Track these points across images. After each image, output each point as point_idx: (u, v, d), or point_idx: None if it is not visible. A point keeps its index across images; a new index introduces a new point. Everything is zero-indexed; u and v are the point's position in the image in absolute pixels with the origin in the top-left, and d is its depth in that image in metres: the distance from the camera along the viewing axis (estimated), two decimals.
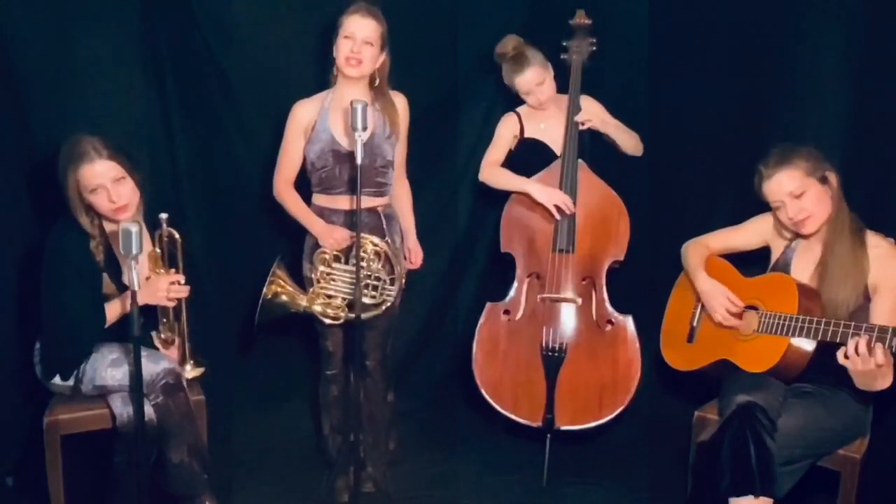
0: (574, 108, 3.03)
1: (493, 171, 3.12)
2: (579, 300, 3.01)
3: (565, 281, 3.01)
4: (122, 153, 2.52)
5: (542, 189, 2.99)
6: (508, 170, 3.13)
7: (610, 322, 3.01)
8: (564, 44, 3.08)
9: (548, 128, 3.11)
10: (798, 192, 2.41)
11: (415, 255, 3.03)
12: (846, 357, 2.19)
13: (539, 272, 3.06)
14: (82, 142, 2.48)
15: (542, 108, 3.09)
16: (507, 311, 3.09)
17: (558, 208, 2.97)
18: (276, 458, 3.20)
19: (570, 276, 3.01)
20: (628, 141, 3.08)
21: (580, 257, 3.01)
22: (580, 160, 3.02)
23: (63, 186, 2.49)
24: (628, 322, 2.99)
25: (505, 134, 3.15)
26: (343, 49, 2.68)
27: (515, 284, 3.09)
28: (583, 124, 3.00)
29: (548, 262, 3.03)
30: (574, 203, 2.98)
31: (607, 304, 3.01)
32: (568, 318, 3.02)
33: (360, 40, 2.66)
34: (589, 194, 3.02)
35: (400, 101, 2.85)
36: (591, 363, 2.99)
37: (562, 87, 3.10)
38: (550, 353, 2.99)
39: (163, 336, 2.70)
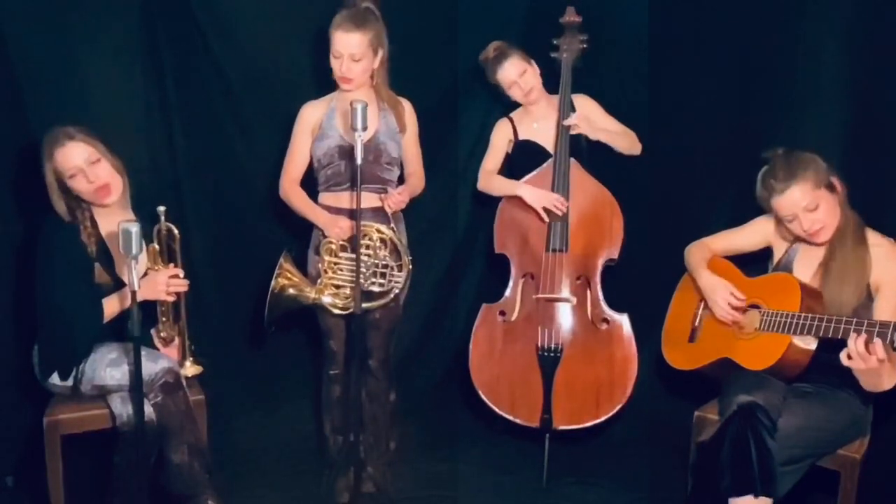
0: (565, 107, 3.04)
1: (487, 179, 3.15)
2: (574, 299, 3.01)
3: (559, 280, 3.02)
4: (96, 138, 2.54)
5: (533, 191, 3.01)
6: (507, 173, 3.14)
7: (605, 321, 3.01)
8: (555, 42, 3.09)
9: (540, 128, 3.12)
10: (812, 206, 2.40)
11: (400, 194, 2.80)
12: (849, 358, 2.19)
13: (533, 272, 3.06)
14: (56, 131, 2.51)
15: (529, 101, 3.09)
16: (502, 312, 3.09)
17: (548, 210, 2.98)
18: (277, 458, 3.20)
19: (564, 276, 3.02)
20: (622, 142, 3.08)
21: (574, 256, 3.02)
22: (572, 159, 3.02)
23: (44, 178, 2.51)
24: (624, 320, 2.99)
25: (499, 141, 3.18)
26: (335, 68, 2.72)
27: (510, 285, 3.10)
28: (573, 127, 3.00)
29: (541, 262, 3.03)
30: (566, 202, 2.99)
31: (602, 303, 3.01)
32: (563, 318, 3.02)
33: (346, 57, 2.68)
34: (582, 193, 3.02)
35: (406, 105, 2.87)
36: (588, 362, 2.99)
37: (555, 87, 3.10)
38: (546, 353, 3.00)
39: (162, 334, 2.69)
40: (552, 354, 2.99)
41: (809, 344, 2.38)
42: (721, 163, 3.15)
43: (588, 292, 3.03)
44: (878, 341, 2.15)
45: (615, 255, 3.03)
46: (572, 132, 3.02)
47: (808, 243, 2.51)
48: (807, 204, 2.39)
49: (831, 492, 2.46)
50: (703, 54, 3.17)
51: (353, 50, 2.67)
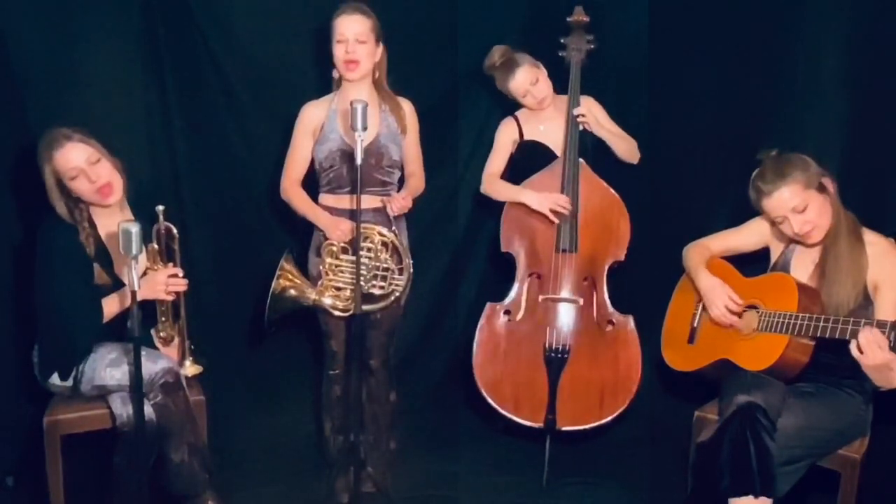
0: (574, 107, 3.02)
1: (491, 184, 3.13)
2: (581, 300, 3.01)
3: (567, 281, 3.01)
4: (94, 139, 2.54)
5: (536, 196, 2.99)
6: (511, 173, 3.13)
7: (611, 322, 3.01)
8: (562, 41, 3.08)
9: (547, 129, 3.10)
10: (801, 207, 2.39)
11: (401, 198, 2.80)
12: (860, 351, 2.19)
13: (540, 272, 3.06)
14: (52, 132, 2.51)
15: (542, 108, 3.08)
16: (507, 312, 3.08)
17: (555, 212, 2.97)
18: (277, 458, 3.20)
19: (571, 277, 3.01)
20: (622, 147, 3.07)
21: (582, 257, 3.01)
22: (581, 160, 3.02)
23: (43, 180, 2.51)
24: (629, 322, 2.99)
25: (504, 140, 3.15)
26: (339, 54, 2.72)
27: (516, 285, 3.08)
28: (581, 116, 2.98)
29: (549, 262, 3.03)
30: (576, 202, 2.98)
31: (608, 305, 3.01)
32: (570, 319, 3.01)
33: (352, 40, 2.69)
34: (590, 194, 3.02)
35: (406, 106, 2.87)
36: (593, 363, 2.99)
37: (560, 87, 3.09)
38: (554, 354, 2.99)
39: (162, 334, 2.69)
40: (559, 355, 2.98)
41: (808, 343, 2.38)
42: (722, 163, 3.15)
43: (594, 293, 3.02)
44: (877, 331, 2.16)
45: (622, 257, 3.02)
46: (581, 120, 2.99)
47: (801, 244, 2.51)
48: (795, 205, 2.39)
49: (831, 492, 2.46)
50: (704, 55, 3.17)
51: (358, 30, 2.68)
